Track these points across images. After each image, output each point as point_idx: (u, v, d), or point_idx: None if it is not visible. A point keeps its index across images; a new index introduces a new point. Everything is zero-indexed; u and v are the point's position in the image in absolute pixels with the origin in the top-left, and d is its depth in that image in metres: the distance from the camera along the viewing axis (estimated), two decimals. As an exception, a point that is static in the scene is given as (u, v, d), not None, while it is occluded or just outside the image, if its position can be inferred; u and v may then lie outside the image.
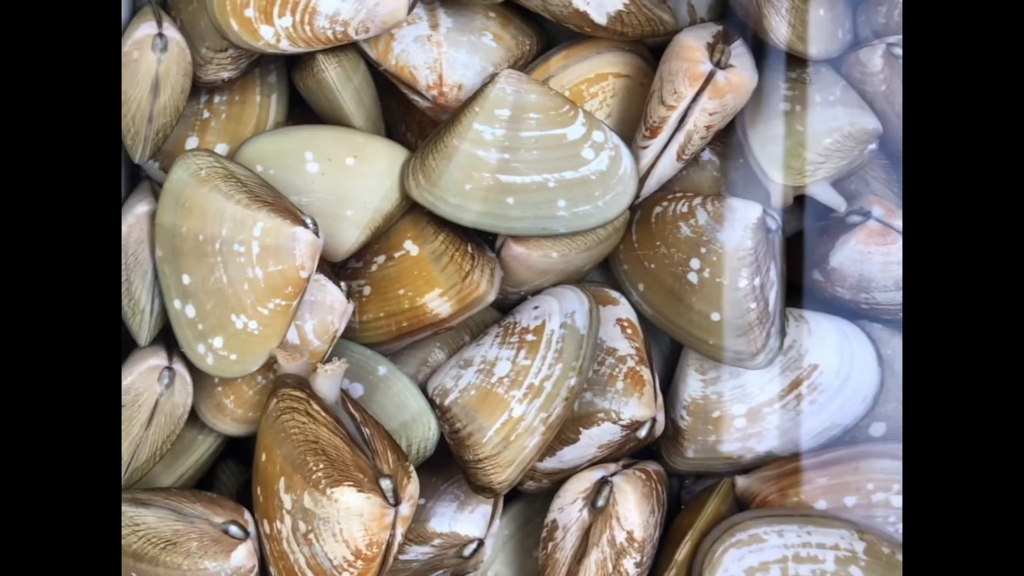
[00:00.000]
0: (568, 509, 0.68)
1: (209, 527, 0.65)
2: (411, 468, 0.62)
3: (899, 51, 0.70)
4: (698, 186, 0.74)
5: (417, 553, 0.69)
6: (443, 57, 0.71)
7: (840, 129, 0.70)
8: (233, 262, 0.65)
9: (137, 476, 0.68)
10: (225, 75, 0.71)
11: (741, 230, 0.68)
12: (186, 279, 0.66)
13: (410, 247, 0.70)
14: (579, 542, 0.68)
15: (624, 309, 0.72)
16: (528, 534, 0.73)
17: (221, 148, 0.72)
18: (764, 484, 0.70)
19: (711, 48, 0.69)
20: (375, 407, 0.69)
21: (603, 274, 0.74)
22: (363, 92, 0.72)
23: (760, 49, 0.71)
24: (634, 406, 0.68)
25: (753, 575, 0.66)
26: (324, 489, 0.60)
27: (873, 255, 0.70)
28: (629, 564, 0.67)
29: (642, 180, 0.70)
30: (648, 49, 0.74)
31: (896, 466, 0.69)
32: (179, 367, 0.68)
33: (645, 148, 0.69)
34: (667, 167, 0.70)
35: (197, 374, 0.68)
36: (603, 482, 0.68)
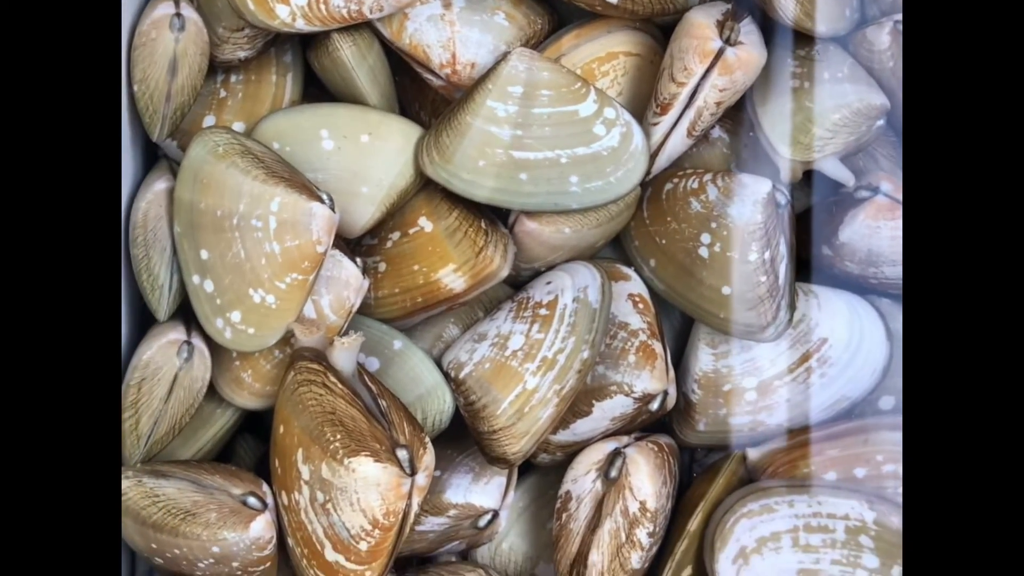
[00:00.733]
0: (581, 480, 0.69)
1: (228, 498, 0.65)
2: (427, 439, 0.63)
3: (907, 28, 0.71)
4: (708, 163, 0.75)
5: (433, 524, 0.70)
6: (456, 36, 0.72)
7: (848, 105, 0.71)
8: (251, 237, 0.65)
9: (157, 449, 0.69)
10: (242, 54, 0.72)
11: (751, 205, 0.69)
12: (204, 254, 0.67)
13: (424, 223, 0.71)
14: (592, 513, 0.68)
15: (636, 284, 0.72)
16: (542, 506, 0.74)
17: (238, 127, 0.73)
18: (774, 456, 0.71)
19: (720, 25, 0.69)
20: (390, 381, 0.70)
21: (615, 250, 0.75)
22: (377, 70, 0.72)
23: (769, 27, 0.72)
24: (646, 379, 0.69)
25: (764, 544, 0.67)
26: (342, 459, 0.61)
27: (882, 230, 0.71)
28: (642, 534, 0.67)
29: (653, 156, 0.71)
30: (658, 28, 0.75)
31: (906, 438, 0.70)
32: (197, 341, 0.68)
33: (656, 124, 0.70)
34: (678, 143, 0.71)
35: (215, 348, 0.69)
36: (616, 453, 0.68)
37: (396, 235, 0.72)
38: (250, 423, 0.74)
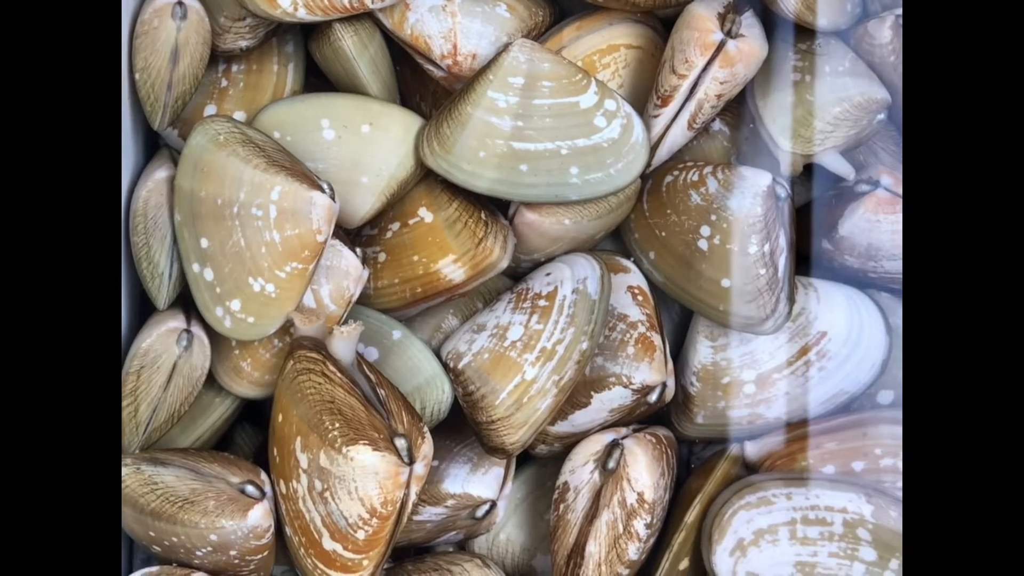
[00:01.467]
0: (579, 471, 0.69)
1: (226, 487, 0.65)
2: (425, 429, 0.63)
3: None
4: (708, 156, 0.75)
5: (431, 514, 0.70)
6: (457, 27, 0.72)
7: (849, 99, 0.71)
8: (251, 226, 0.66)
9: (155, 437, 0.69)
10: (243, 44, 0.72)
11: (751, 197, 0.69)
12: (204, 243, 0.67)
13: (424, 214, 0.71)
14: (590, 503, 0.68)
15: (635, 276, 0.72)
16: (540, 497, 0.74)
17: (239, 116, 0.73)
18: (773, 449, 0.71)
19: (722, 18, 0.69)
20: (390, 371, 0.70)
21: (615, 243, 0.75)
22: (379, 61, 0.72)
23: (770, 20, 0.72)
24: (645, 371, 0.69)
25: (762, 537, 0.67)
26: (340, 448, 0.61)
27: (882, 224, 0.71)
28: (639, 525, 0.67)
29: (654, 148, 0.71)
30: (659, 21, 0.75)
31: (904, 432, 0.70)
32: (197, 330, 0.68)
33: (657, 117, 0.70)
34: (678, 136, 0.71)
35: (215, 337, 0.69)
36: (614, 444, 0.69)
37: (396, 225, 0.72)
38: (249, 412, 0.74)
